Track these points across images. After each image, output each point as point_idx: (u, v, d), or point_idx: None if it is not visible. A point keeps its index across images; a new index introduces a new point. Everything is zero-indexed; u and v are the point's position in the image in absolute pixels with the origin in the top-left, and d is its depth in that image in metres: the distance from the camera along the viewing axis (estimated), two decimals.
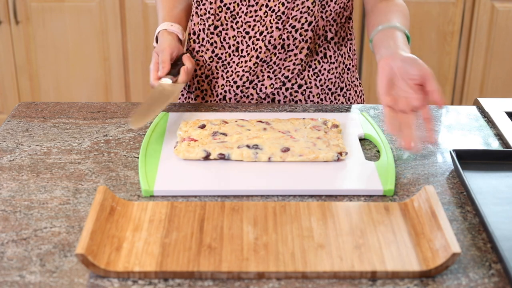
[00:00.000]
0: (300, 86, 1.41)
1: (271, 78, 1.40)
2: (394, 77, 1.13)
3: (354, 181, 1.07)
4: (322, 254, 0.89)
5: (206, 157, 1.12)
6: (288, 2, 1.33)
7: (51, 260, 0.89)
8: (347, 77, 1.46)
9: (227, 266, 0.86)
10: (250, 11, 1.36)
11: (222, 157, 1.12)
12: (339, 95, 1.45)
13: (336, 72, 1.43)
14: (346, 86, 1.46)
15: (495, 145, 1.22)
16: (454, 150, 1.12)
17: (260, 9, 1.35)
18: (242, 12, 1.36)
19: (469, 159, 1.13)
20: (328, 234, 0.93)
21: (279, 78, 1.40)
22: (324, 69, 1.42)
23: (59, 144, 1.19)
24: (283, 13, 1.34)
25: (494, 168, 1.12)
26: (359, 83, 1.52)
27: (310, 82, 1.41)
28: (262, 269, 0.86)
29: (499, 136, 1.24)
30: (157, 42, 1.40)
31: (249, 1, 1.35)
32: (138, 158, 1.14)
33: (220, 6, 1.37)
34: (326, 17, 1.38)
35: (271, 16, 1.35)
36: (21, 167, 1.11)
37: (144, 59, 2.85)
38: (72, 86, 2.90)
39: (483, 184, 1.07)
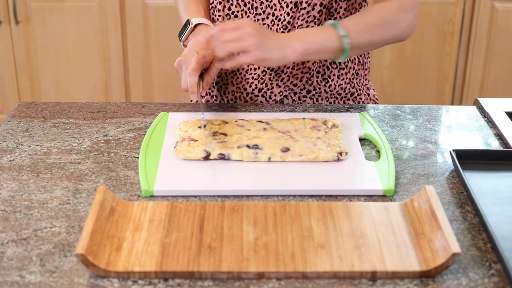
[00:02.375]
0: (308, 92, 1.40)
1: (279, 86, 1.39)
2: None
3: (354, 181, 1.07)
4: (322, 254, 0.89)
5: (206, 157, 1.12)
6: (293, 12, 1.32)
7: (51, 260, 0.89)
8: (357, 82, 1.44)
9: (227, 266, 0.86)
10: (258, 20, 1.35)
11: (222, 157, 1.12)
12: (348, 99, 1.43)
13: (346, 78, 1.42)
14: (356, 91, 1.44)
15: (495, 145, 1.22)
16: (454, 150, 1.12)
17: (267, 18, 1.34)
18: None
19: (469, 159, 1.13)
20: (328, 234, 0.93)
21: (288, 86, 1.39)
22: (334, 74, 1.40)
23: (59, 144, 1.19)
24: (288, 22, 1.33)
25: (494, 168, 1.12)
26: (372, 87, 1.49)
27: (319, 88, 1.40)
28: (262, 269, 0.86)
29: (499, 136, 1.24)
30: (181, 34, 1.36)
31: (256, 10, 1.34)
32: (138, 158, 1.14)
33: (228, 14, 1.37)
34: None
35: (278, 25, 1.34)
36: (21, 167, 1.11)
37: (144, 59, 2.85)
38: (72, 86, 2.90)
39: (483, 184, 1.07)
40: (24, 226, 0.96)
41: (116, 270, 0.85)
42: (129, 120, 1.28)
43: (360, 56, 1.44)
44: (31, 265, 0.88)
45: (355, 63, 1.43)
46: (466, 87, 2.92)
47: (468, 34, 2.84)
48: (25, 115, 1.30)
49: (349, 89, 1.42)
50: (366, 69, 1.46)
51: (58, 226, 0.96)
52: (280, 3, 1.33)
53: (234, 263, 0.87)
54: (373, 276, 0.86)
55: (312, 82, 1.39)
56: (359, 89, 1.45)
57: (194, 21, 1.34)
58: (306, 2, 1.31)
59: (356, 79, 1.44)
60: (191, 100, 1.50)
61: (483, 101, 1.37)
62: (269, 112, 1.32)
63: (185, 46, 1.36)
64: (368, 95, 1.48)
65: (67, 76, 2.88)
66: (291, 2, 1.31)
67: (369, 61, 1.47)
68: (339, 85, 1.41)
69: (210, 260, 0.87)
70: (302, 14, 1.32)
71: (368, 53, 1.46)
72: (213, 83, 1.44)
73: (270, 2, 1.33)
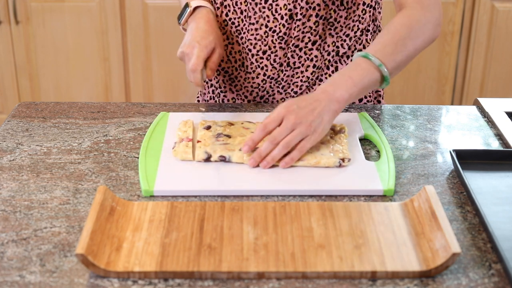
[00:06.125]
0: None
1: (281, 93, 1.38)
2: None
3: (354, 181, 1.07)
4: (322, 254, 0.89)
5: (207, 159, 1.11)
6: (289, 23, 1.30)
7: (51, 260, 0.89)
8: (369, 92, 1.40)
9: (227, 266, 0.86)
10: (251, 29, 1.33)
11: (223, 159, 1.11)
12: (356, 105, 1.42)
13: None
14: (366, 97, 1.41)
15: (495, 145, 1.22)
16: (454, 150, 1.12)
17: (260, 28, 1.32)
18: (245, 28, 1.34)
19: (469, 159, 1.13)
20: (328, 234, 0.93)
21: (289, 93, 1.38)
22: None
23: (59, 144, 1.19)
24: (285, 33, 1.31)
25: (494, 168, 1.12)
26: (382, 92, 1.45)
27: None
28: (262, 269, 0.86)
29: (499, 136, 1.24)
30: (180, 17, 1.33)
31: (249, 19, 1.33)
32: (138, 158, 1.14)
33: (225, 20, 1.36)
34: (336, 33, 1.33)
35: (273, 36, 1.32)
36: (21, 167, 1.11)
37: (144, 59, 2.85)
38: (72, 86, 2.90)
39: (483, 184, 1.07)
40: (24, 226, 0.96)
41: (116, 270, 0.85)
42: (129, 120, 1.28)
43: None
44: (31, 265, 0.88)
45: None
46: (466, 87, 2.92)
47: (468, 34, 2.84)
48: (25, 115, 1.30)
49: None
50: None
51: (58, 226, 0.96)
52: (274, 15, 1.30)
53: (234, 263, 0.87)
54: (373, 276, 0.86)
55: (314, 90, 1.38)
56: (369, 95, 1.42)
57: (193, 4, 1.32)
58: (301, 14, 1.29)
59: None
60: (198, 98, 1.49)
61: (483, 101, 1.37)
62: (268, 111, 1.32)
63: (184, 29, 1.34)
64: (375, 98, 1.44)
65: (67, 76, 2.88)
66: (285, 14, 1.29)
67: None
68: None
69: (210, 260, 0.87)
70: (298, 26, 1.30)
71: None
72: (212, 88, 1.44)
73: (263, 13, 1.31)
